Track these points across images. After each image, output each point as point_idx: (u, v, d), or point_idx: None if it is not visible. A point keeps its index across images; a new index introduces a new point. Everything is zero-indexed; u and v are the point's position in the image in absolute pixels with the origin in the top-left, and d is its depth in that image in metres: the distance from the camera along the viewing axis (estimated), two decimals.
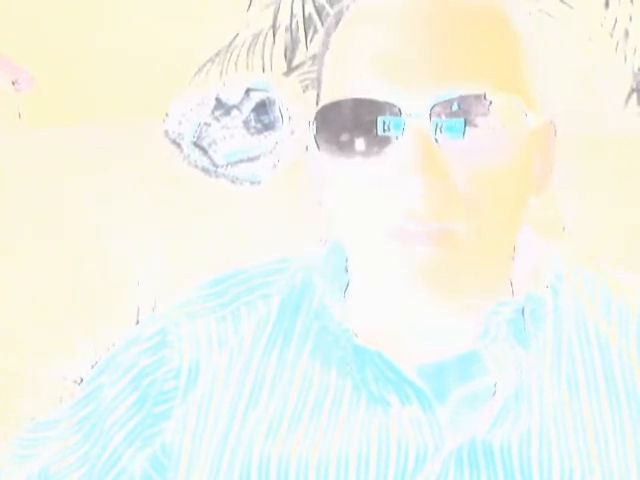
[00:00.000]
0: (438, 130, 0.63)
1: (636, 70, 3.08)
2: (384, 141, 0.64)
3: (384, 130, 0.63)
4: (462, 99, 0.62)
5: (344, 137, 0.65)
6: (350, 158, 0.65)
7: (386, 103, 0.63)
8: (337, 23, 0.70)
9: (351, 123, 0.65)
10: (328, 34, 0.71)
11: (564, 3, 2.83)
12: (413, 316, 0.70)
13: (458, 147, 0.63)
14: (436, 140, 0.63)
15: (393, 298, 0.70)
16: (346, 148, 0.65)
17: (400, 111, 0.62)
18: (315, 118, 0.66)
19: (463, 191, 0.64)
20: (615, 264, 0.78)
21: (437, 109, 0.62)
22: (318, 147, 0.67)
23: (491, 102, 0.63)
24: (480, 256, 0.66)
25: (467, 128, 0.63)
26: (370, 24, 0.66)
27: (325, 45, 0.71)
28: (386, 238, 0.65)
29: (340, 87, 0.66)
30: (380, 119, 0.63)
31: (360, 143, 0.64)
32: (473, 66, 0.64)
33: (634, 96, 3.17)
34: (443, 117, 0.62)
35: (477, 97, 0.63)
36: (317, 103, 0.69)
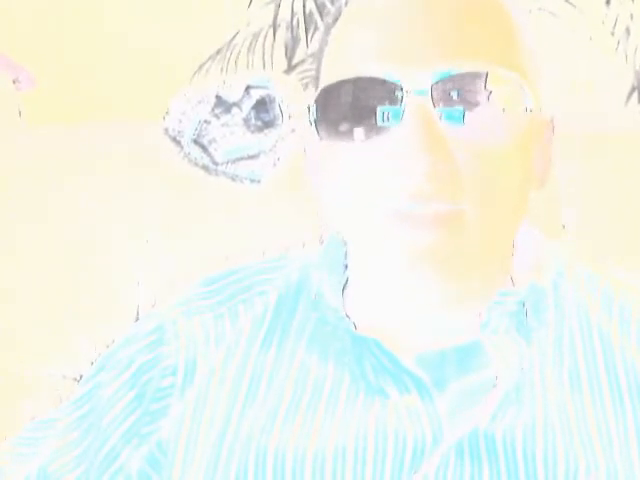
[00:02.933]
0: (439, 117, 0.63)
1: (637, 69, 3.08)
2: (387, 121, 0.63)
3: (383, 120, 0.63)
4: (464, 77, 0.62)
5: (345, 118, 0.65)
6: (350, 142, 0.65)
7: (388, 81, 0.63)
8: (336, 19, 0.70)
9: (352, 104, 0.64)
10: (327, 30, 0.71)
11: (565, 1, 2.83)
12: (413, 303, 0.70)
13: (459, 130, 0.63)
14: (441, 119, 0.63)
15: (394, 284, 0.70)
16: (347, 132, 0.65)
17: (402, 89, 0.62)
18: (315, 101, 0.66)
19: (466, 172, 0.64)
20: (615, 263, 0.78)
21: (439, 86, 0.62)
22: (317, 131, 0.66)
23: (492, 84, 0.63)
24: (483, 242, 0.66)
25: (467, 112, 0.63)
26: (370, 14, 0.67)
27: (324, 41, 0.71)
28: (388, 221, 0.64)
29: (340, 72, 0.66)
30: (380, 108, 0.63)
31: (361, 127, 0.64)
32: (475, 46, 0.64)
33: (635, 95, 3.16)
34: (443, 103, 0.62)
35: (479, 76, 0.63)
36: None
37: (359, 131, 0.64)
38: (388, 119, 0.63)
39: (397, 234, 0.64)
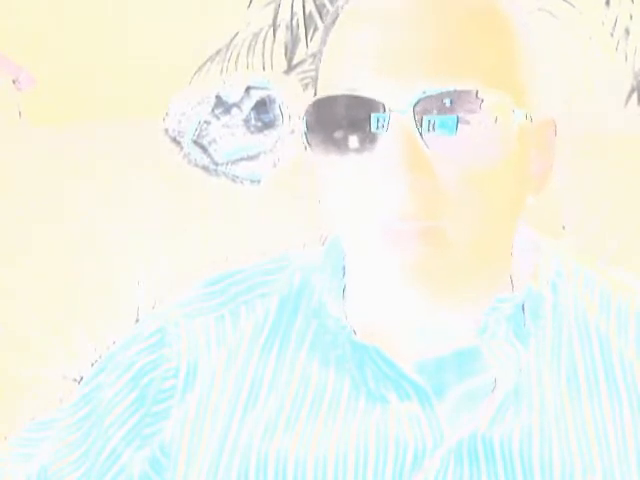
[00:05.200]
0: (431, 127, 0.62)
1: (637, 69, 3.08)
2: (371, 138, 0.63)
3: (377, 127, 0.63)
4: (447, 95, 0.62)
5: (333, 134, 0.65)
6: (339, 155, 0.65)
7: (370, 99, 0.62)
8: (334, 21, 0.70)
9: (339, 120, 0.64)
10: (326, 32, 0.71)
11: (565, 2, 2.83)
12: (409, 313, 0.70)
13: (448, 145, 0.63)
14: (423, 138, 0.62)
15: (389, 296, 0.70)
16: (335, 145, 0.65)
17: (384, 107, 0.62)
18: (305, 114, 0.66)
19: (451, 189, 0.63)
20: (615, 264, 0.78)
21: (421, 105, 0.62)
22: (309, 143, 0.67)
23: (483, 100, 0.62)
24: (472, 256, 0.66)
25: (450, 130, 0.62)
26: (364, 21, 0.66)
27: (323, 43, 0.71)
28: (378, 237, 0.64)
29: (332, 83, 0.66)
30: (374, 115, 0.63)
31: (348, 140, 0.64)
32: (463, 62, 0.63)
33: (634, 95, 3.17)
34: (435, 113, 0.62)
35: (465, 93, 0.62)
36: None
37: (345, 147, 0.64)
38: (373, 136, 0.63)
39: (385, 249, 0.64)
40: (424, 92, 0.62)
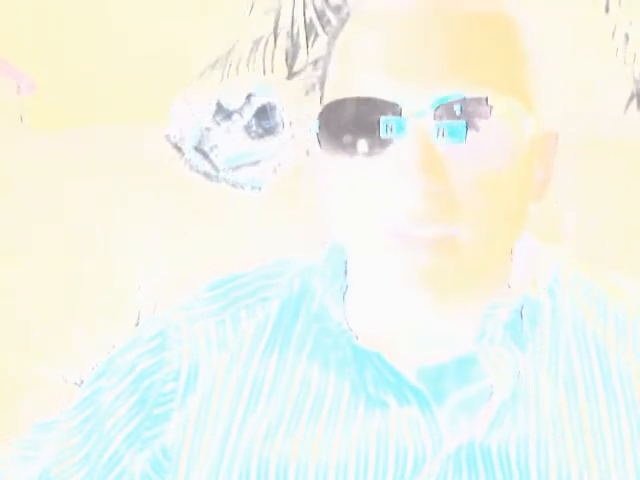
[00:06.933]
0: (440, 133, 0.63)
1: (636, 75, 3.08)
2: (386, 141, 0.64)
3: (387, 131, 0.63)
4: (464, 101, 0.62)
5: (346, 136, 0.65)
6: (352, 157, 0.65)
7: (389, 102, 0.63)
8: (343, 24, 0.70)
9: (354, 122, 0.65)
10: (334, 35, 0.71)
11: (564, 7, 2.83)
12: (412, 319, 0.70)
13: (459, 150, 0.63)
14: (440, 142, 0.63)
15: (392, 301, 0.70)
16: (348, 147, 0.65)
17: (402, 111, 0.63)
18: (319, 116, 0.66)
19: (463, 194, 0.64)
20: (615, 267, 0.78)
21: (440, 110, 0.62)
22: (320, 145, 0.67)
23: (492, 106, 0.63)
24: (480, 261, 0.66)
25: (468, 131, 0.63)
26: (375, 25, 0.67)
27: (330, 46, 0.71)
28: (386, 240, 0.65)
29: (344, 86, 0.66)
30: (383, 119, 0.63)
31: (362, 143, 0.64)
32: (476, 69, 0.64)
33: (634, 101, 3.17)
34: (445, 120, 0.62)
35: (479, 100, 0.63)
36: (320, 103, 0.70)
37: (359, 149, 0.64)
38: (388, 139, 0.63)
39: (394, 253, 0.64)
40: (442, 97, 0.62)
